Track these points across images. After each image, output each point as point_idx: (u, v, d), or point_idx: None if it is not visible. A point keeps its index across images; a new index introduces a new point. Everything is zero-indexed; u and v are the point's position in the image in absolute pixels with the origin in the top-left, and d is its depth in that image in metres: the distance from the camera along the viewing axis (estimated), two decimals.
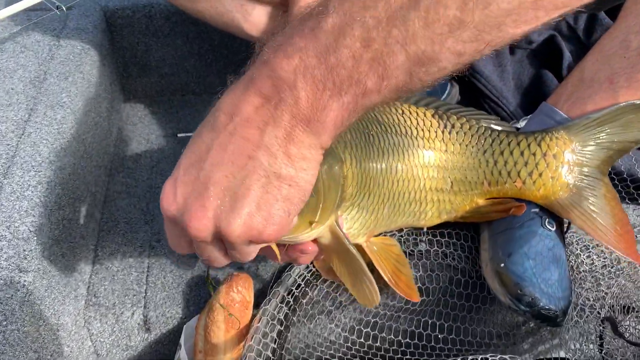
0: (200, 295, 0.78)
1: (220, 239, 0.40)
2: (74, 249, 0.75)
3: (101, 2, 1.04)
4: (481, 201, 0.72)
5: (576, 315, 0.71)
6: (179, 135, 1.04)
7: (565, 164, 0.67)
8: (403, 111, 0.66)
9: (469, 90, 0.97)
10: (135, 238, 0.86)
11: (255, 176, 0.37)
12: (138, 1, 1.04)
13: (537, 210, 0.72)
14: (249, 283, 0.74)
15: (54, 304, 0.67)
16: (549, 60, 1.00)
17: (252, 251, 0.42)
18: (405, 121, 0.65)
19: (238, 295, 0.72)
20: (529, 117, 0.79)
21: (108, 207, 0.91)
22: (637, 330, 0.67)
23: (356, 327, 0.78)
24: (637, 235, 0.83)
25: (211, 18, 0.82)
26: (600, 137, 0.68)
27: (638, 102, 0.67)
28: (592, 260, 0.82)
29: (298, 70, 0.35)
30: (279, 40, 0.37)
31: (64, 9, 0.95)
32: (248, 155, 0.37)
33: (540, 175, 0.67)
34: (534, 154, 0.67)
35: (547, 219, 0.71)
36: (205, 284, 0.79)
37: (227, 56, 1.12)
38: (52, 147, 0.73)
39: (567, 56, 0.97)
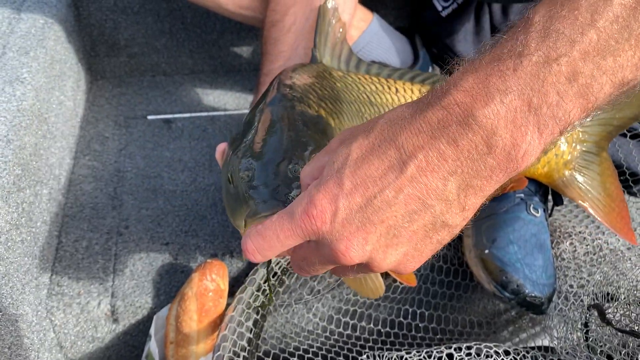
0: (171, 284, 0.74)
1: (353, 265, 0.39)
2: (35, 235, 0.70)
3: None
4: None
5: (560, 303, 0.69)
6: (148, 117, 1.00)
7: (568, 141, 0.65)
8: (397, 89, 0.63)
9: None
10: (101, 224, 0.82)
11: (423, 221, 0.36)
12: None
13: (522, 195, 0.70)
14: (224, 270, 0.70)
15: (12, 292, 0.62)
16: None
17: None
18: (399, 100, 0.62)
19: (212, 283, 0.69)
20: None
21: (73, 191, 0.86)
22: (623, 318, 0.65)
23: (335, 317, 0.75)
24: (636, 228, 0.82)
25: None
26: (601, 113, 0.67)
27: None
28: (575, 247, 0.81)
29: (498, 116, 0.33)
30: (471, 81, 0.34)
31: None
32: (423, 202, 0.35)
33: (545, 153, 0.66)
34: None
35: (532, 205, 0.69)
36: (176, 272, 0.75)
37: (200, 35, 1.07)
38: (11, 124, 0.68)
39: None
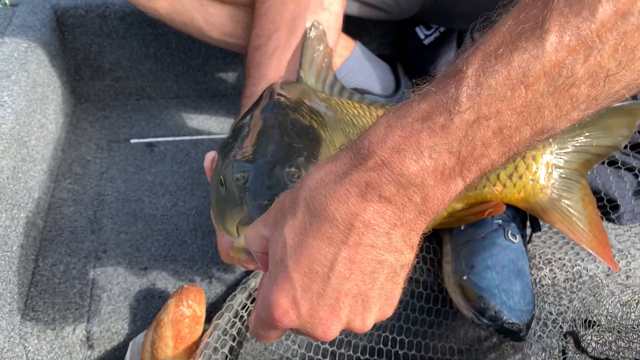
0: (148, 309, 0.74)
1: None
2: (11, 259, 0.70)
3: (52, 0, 0.99)
4: (459, 206, 0.70)
5: (539, 330, 0.69)
6: (131, 141, 1.00)
7: (545, 166, 0.66)
8: (377, 116, 0.64)
9: None
10: (80, 248, 0.81)
11: (384, 276, 0.37)
12: (92, 0, 0.99)
13: (500, 221, 0.70)
14: (201, 297, 0.70)
15: None
16: None
17: None
18: None
19: (188, 309, 0.68)
20: None
21: (52, 215, 0.86)
22: (599, 345, 0.65)
23: (314, 344, 0.75)
24: (615, 254, 0.82)
25: (169, 17, 0.78)
26: (580, 141, 0.68)
27: (617, 107, 0.67)
28: (555, 274, 0.81)
29: (427, 171, 0.34)
30: (396, 139, 0.34)
31: (7, 4, 0.89)
32: (377, 261, 0.36)
33: (520, 177, 0.66)
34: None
35: (510, 231, 0.70)
36: (153, 297, 0.75)
37: (185, 60, 1.08)
38: None
39: None
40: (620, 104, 0.69)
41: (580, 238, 0.68)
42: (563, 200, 0.68)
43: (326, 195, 0.35)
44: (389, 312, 0.40)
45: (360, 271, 0.36)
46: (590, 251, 0.68)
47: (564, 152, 0.68)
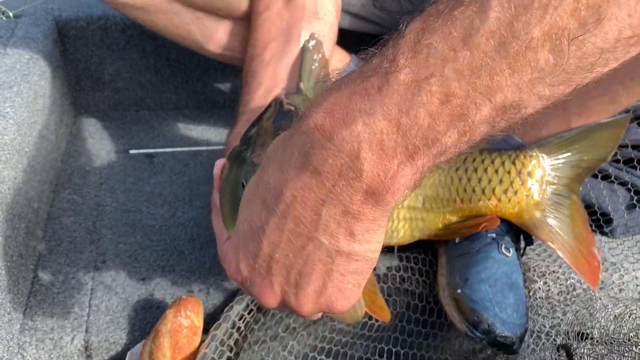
0: (146, 320, 0.74)
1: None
2: (10, 269, 0.70)
3: (53, 11, 1.00)
4: (454, 218, 0.71)
5: (532, 343, 0.70)
6: (130, 152, 1.01)
7: (539, 182, 0.67)
8: None
9: None
10: (79, 258, 0.82)
11: (317, 257, 0.35)
12: (93, 12, 1.00)
13: (493, 235, 0.71)
14: (199, 307, 0.70)
15: None
16: None
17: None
18: None
19: (186, 320, 0.69)
20: None
21: (51, 225, 0.86)
22: (591, 358, 0.66)
23: (310, 354, 0.75)
24: (608, 268, 0.83)
25: (167, 30, 0.79)
26: (571, 156, 0.69)
27: (604, 122, 0.69)
28: (549, 286, 0.82)
29: (362, 139, 0.30)
30: (333, 100, 0.31)
31: (11, 16, 0.90)
32: (306, 237, 0.34)
33: (515, 193, 0.67)
34: (509, 172, 0.67)
35: (503, 245, 0.71)
36: (151, 307, 0.75)
37: (185, 72, 1.09)
38: None
39: None
40: (609, 119, 0.71)
41: (567, 255, 0.68)
42: (554, 217, 0.69)
43: (271, 160, 0.34)
44: (340, 303, 0.37)
45: (289, 242, 0.34)
46: (574, 269, 0.69)
47: (557, 168, 0.69)
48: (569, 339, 0.72)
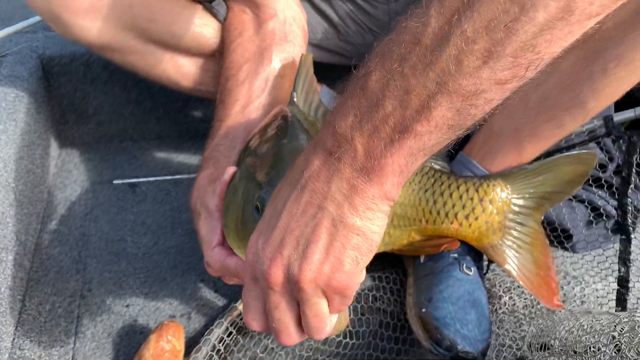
0: (130, 345, 0.78)
1: (293, 296, 0.43)
2: (0, 301, 0.74)
3: (38, 49, 1.05)
4: (418, 237, 0.74)
5: (495, 357, 0.74)
6: (114, 182, 1.05)
7: (500, 210, 0.71)
8: None
9: None
10: (65, 288, 0.85)
11: (324, 224, 0.41)
12: (76, 49, 1.05)
13: (455, 255, 0.76)
14: (180, 332, 0.74)
15: None
16: None
17: (324, 313, 0.44)
18: None
19: (168, 344, 0.72)
20: None
21: (38, 256, 0.90)
22: None
23: None
24: (570, 282, 0.88)
25: (143, 70, 0.84)
26: (535, 187, 0.73)
27: (571, 155, 0.73)
28: (514, 301, 0.86)
29: (354, 126, 0.39)
30: (339, 103, 0.41)
31: None
32: (318, 206, 0.41)
33: (476, 219, 0.71)
34: (472, 199, 0.71)
35: (464, 264, 0.75)
36: (135, 333, 0.79)
37: (166, 103, 1.13)
38: None
39: None
40: (574, 152, 0.75)
41: (523, 279, 0.72)
42: (512, 243, 0.72)
43: (303, 153, 0.44)
44: (339, 276, 0.41)
45: (303, 212, 0.41)
46: (532, 293, 0.72)
47: (519, 198, 0.72)
48: (531, 350, 0.77)
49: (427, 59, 0.36)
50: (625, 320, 0.66)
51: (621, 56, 0.66)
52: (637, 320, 0.65)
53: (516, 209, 0.72)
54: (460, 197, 0.72)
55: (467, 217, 0.72)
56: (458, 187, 0.72)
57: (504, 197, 0.72)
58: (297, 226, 0.41)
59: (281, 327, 0.45)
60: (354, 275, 0.42)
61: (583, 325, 0.77)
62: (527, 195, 0.73)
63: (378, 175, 0.39)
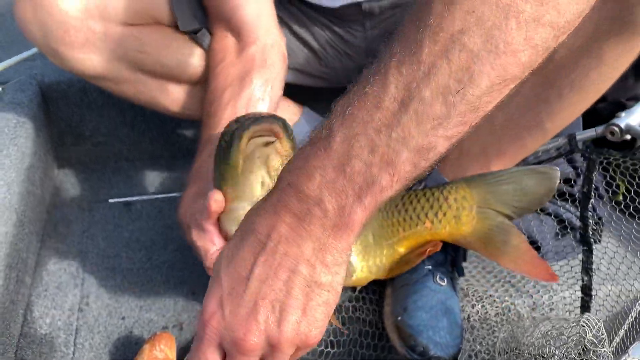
0: (125, 355, 0.83)
1: (263, 357, 0.44)
2: (3, 315, 0.79)
3: (37, 77, 1.11)
4: (402, 249, 0.79)
5: None
6: (110, 200, 1.10)
7: (465, 206, 0.75)
8: None
9: None
10: (64, 302, 0.90)
11: (298, 287, 0.42)
12: (73, 76, 1.10)
13: (429, 267, 0.82)
14: (172, 342, 0.79)
15: None
16: None
17: None
18: None
19: (161, 353, 0.78)
20: None
21: (39, 272, 0.95)
22: None
23: None
24: (539, 290, 0.93)
25: (134, 96, 0.90)
26: (499, 192, 0.76)
27: (537, 169, 0.77)
28: (486, 309, 0.92)
29: (322, 186, 0.40)
30: (297, 165, 0.42)
31: (1, 90, 1.01)
32: (290, 269, 0.42)
33: (444, 214, 0.76)
34: (438, 199, 0.77)
35: (438, 275, 0.81)
36: (130, 343, 0.84)
37: (160, 125, 1.19)
38: None
39: None
40: (539, 167, 0.80)
41: (508, 264, 0.75)
42: (488, 232, 0.75)
43: (256, 214, 0.44)
44: (313, 334, 0.43)
45: (275, 276, 0.42)
46: (524, 274, 0.76)
47: (483, 194, 0.76)
48: (501, 356, 0.82)
49: (389, 120, 0.39)
50: (573, 324, 0.72)
51: (573, 83, 0.72)
52: (582, 325, 0.71)
53: (482, 203, 0.76)
54: (428, 199, 0.77)
55: (436, 214, 0.76)
56: (424, 194, 0.78)
57: (467, 195, 0.76)
58: (271, 291, 0.42)
59: None
60: (324, 327, 0.44)
61: (551, 331, 0.82)
62: (491, 195, 0.76)
63: (347, 230, 0.41)
